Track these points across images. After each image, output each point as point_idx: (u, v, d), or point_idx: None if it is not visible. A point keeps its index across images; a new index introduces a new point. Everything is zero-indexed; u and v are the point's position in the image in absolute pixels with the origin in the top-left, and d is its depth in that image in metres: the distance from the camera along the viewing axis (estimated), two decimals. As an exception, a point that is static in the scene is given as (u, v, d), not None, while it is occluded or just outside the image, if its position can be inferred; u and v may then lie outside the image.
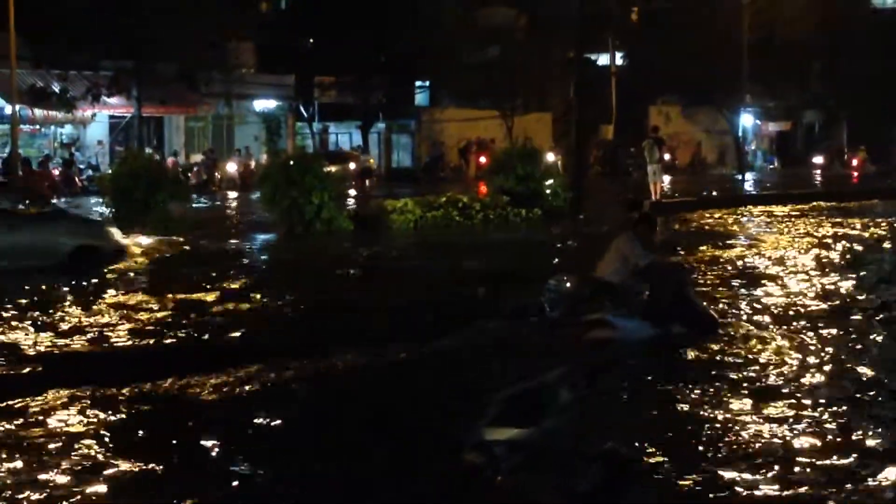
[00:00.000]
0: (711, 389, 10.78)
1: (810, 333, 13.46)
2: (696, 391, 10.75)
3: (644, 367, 12.16)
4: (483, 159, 46.36)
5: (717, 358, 12.22)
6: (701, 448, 8.88)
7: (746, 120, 56.84)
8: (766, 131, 66.32)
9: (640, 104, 56.85)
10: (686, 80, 51.61)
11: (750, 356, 12.24)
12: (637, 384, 11.42)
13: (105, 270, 19.85)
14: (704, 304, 14.37)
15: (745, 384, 10.97)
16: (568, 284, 13.13)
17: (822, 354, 12.30)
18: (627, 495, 7.40)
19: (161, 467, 8.36)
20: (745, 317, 14.64)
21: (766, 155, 64.93)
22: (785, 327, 13.88)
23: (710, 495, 7.80)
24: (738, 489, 7.91)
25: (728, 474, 8.16)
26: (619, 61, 54.67)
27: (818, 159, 60.17)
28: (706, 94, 53.87)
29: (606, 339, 12.69)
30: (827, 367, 11.67)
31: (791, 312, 15.00)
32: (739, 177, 48.82)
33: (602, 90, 50.02)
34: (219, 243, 24.58)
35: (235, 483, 8.20)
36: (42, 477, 8.20)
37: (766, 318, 14.52)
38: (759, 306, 15.53)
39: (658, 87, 57.16)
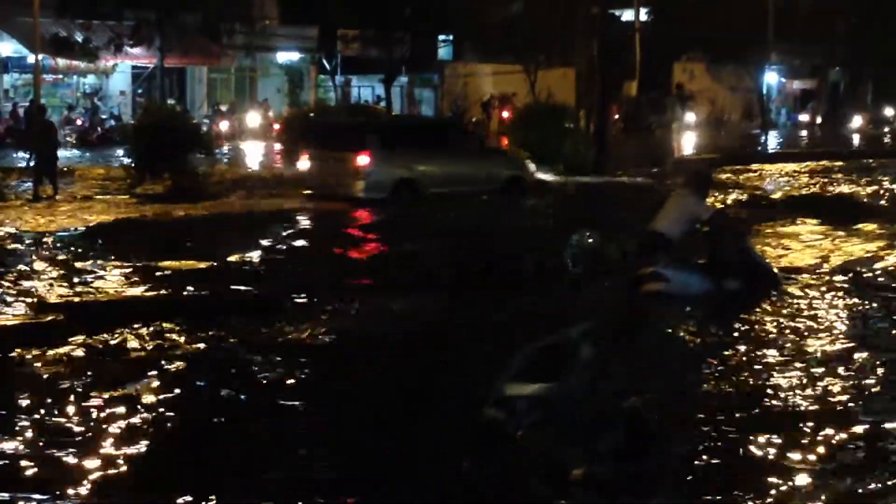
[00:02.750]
0: (753, 351, 10.59)
1: (871, 297, 13.12)
2: (734, 351, 10.61)
3: (685, 324, 12.03)
4: (505, 114, 46.09)
5: (767, 318, 11.98)
6: (729, 411, 8.74)
7: (771, 78, 56.34)
8: (790, 89, 65.79)
9: (664, 61, 56.31)
10: (711, 36, 51.13)
11: (799, 319, 11.92)
12: (672, 341, 11.30)
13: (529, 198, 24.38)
14: (766, 259, 14.21)
15: (787, 347, 10.73)
16: (591, 240, 13.03)
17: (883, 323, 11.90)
18: (648, 455, 7.34)
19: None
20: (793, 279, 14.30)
21: (790, 113, 64.49)
22: (838, 291, 13.58)
23: (735, 459, 7.74)
24: (765, 456, 7.81)
25: (754, 440, 8.06)
26: (643, 17, 54.13)
27: (804, 117, 59.89)
28: (731, 51, 53.37)
29: (659, 291, 12.62)
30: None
31: (842, 275, 14.63)
32: (762, 134, 48.52)
33: (626, 46, 49.54)
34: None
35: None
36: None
37: (817, 282, 14.20)
38: (804, 265, 15.30)
39: (683, 44, 56.66)
